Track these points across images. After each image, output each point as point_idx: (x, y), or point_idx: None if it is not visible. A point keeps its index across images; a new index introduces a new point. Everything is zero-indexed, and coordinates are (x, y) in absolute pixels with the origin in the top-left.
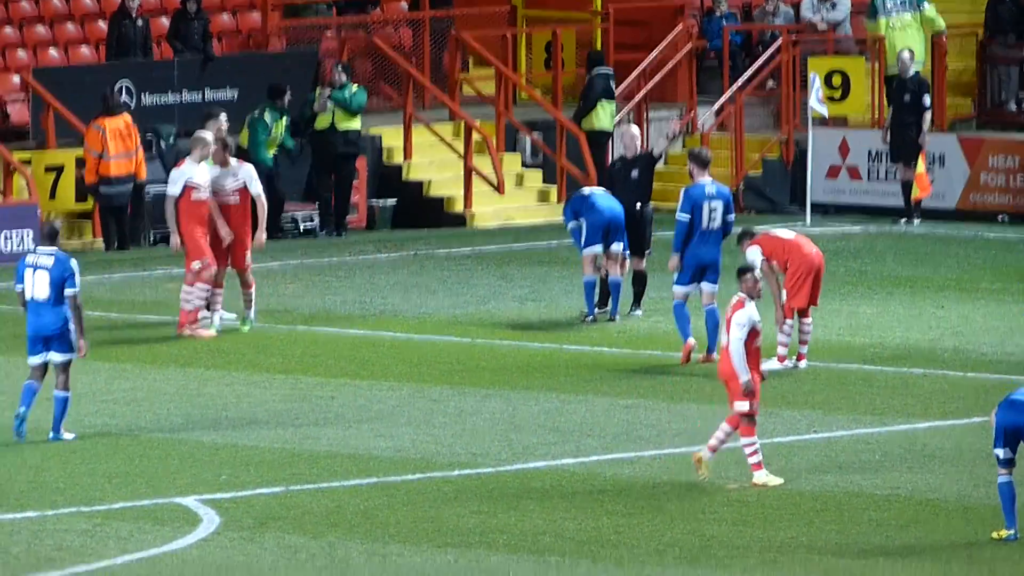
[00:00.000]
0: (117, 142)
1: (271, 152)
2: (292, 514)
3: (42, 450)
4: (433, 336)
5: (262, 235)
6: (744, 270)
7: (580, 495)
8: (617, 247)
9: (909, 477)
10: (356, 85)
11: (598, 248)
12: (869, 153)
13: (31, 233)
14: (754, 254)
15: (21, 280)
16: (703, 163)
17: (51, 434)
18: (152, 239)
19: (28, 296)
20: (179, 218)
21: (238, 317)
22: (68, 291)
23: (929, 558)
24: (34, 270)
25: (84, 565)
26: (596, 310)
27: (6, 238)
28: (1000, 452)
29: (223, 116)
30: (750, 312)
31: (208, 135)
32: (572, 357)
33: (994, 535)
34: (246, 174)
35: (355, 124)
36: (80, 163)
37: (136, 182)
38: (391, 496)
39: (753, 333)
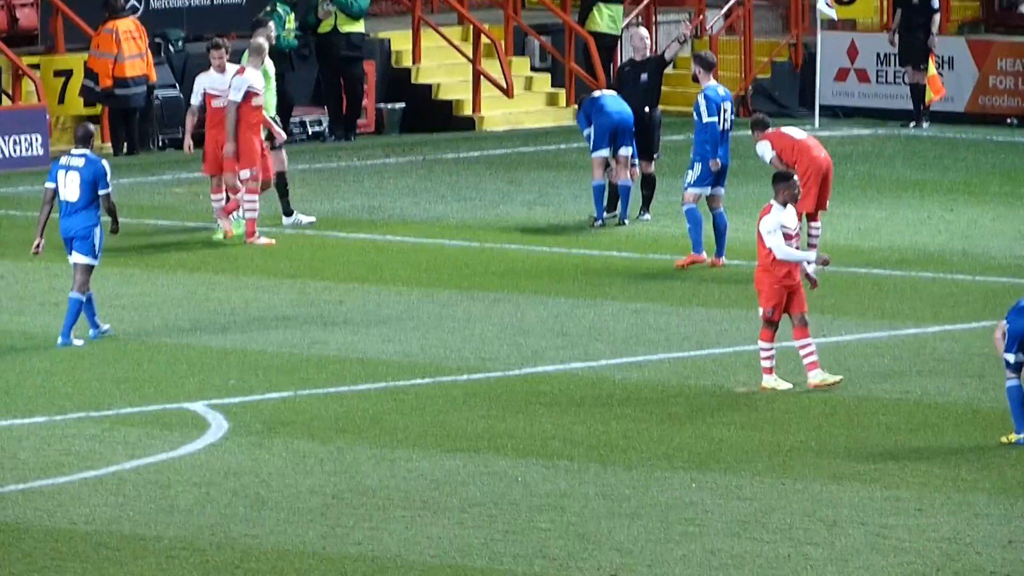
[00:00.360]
0: (130, 43)
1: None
2: (301, 419)
3: (50, 356)
4: (442, 240)
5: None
6: (782, 176)
7: (589, 399)
8: (625, 151)
9: (918, 381)
10: None
11: (606, 151)
12: (878, 56)
13: (40, 137)
14: (764, 149)
15: (53, 179)
16: (709, 66)
17: (59, 339)
18: (161, 143)
19: (61, 198)
20: (237, 124)
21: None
22: (101, 192)
23: (938, 462)
24: (66, 171)
25: (92, 470)
26: (605, 214)
27: (15, 142)
28: (1011, 357)
29: (272, 24)
30: (777, 216)
31: (265, 42)
32: (581, 261)
33: (1003, 439)
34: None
35: (358, 27)
36: (88, 72)
37: (148, 84)
38: (400, 401)
39: (785, 237)
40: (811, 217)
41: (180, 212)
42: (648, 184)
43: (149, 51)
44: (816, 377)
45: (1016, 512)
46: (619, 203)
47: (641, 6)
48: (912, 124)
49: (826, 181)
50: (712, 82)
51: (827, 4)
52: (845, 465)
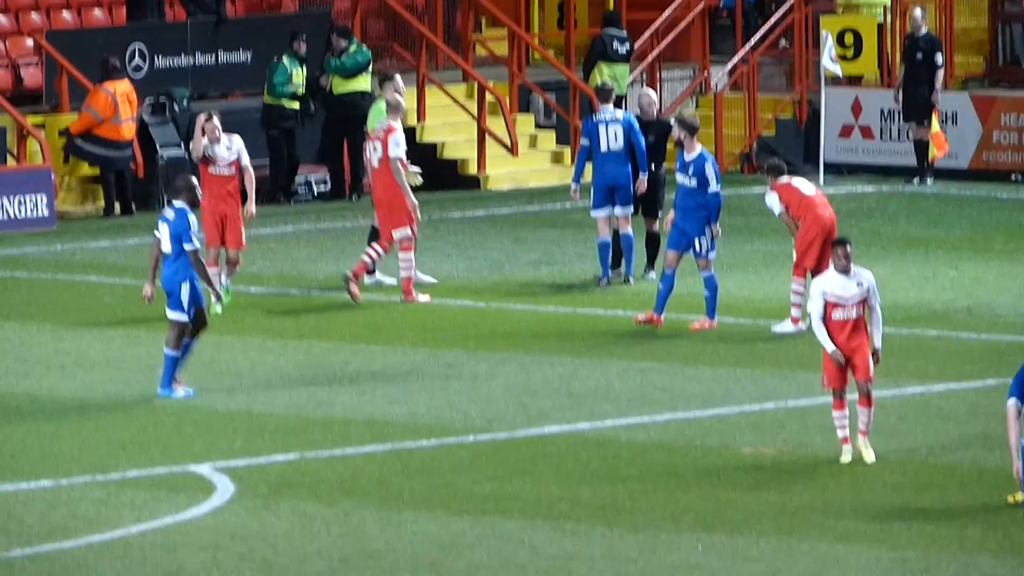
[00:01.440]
0: (125, 106)
1: (292, 103)
2: (307, 481)
3: (55, 419)
4: (447, 300)
5: (252, 206)
6: (836, 242)
7: (595, 460)
8: (623, 210)
9: (924, 440)
10: (355, 46)
11: (607, 210)
12: (882, 112)
13: (45, 198)
14: (773, 201)
15: (157, 229)
16: (693, 130)
17: (159, 389)
18: (164, 203)
19: (163, 249)
20: (386, 181)
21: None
22: (185, 246)
23: (944, 522)
24: (161, 223)
25: (99, 534)
26: (611, 272)
27: (20, 203)
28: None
29: (398, 77)
30: (821, 283)
31: (400, 98)
32: (586, 320)
33: (1009, 499)
34: (239, 146)
35: (359, 85)
36: (67, 130)
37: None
38: (406, 463)
39: (834, 306)
40: (815, 273)
41: None
42: (652, 242)
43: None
44: (863, 446)
45: (1022, 572)
46: (623, 260)
47: (645, 63)
48: (916, 180)
49: (828, 239)
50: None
51: (831, 60)
52: (851, 525)
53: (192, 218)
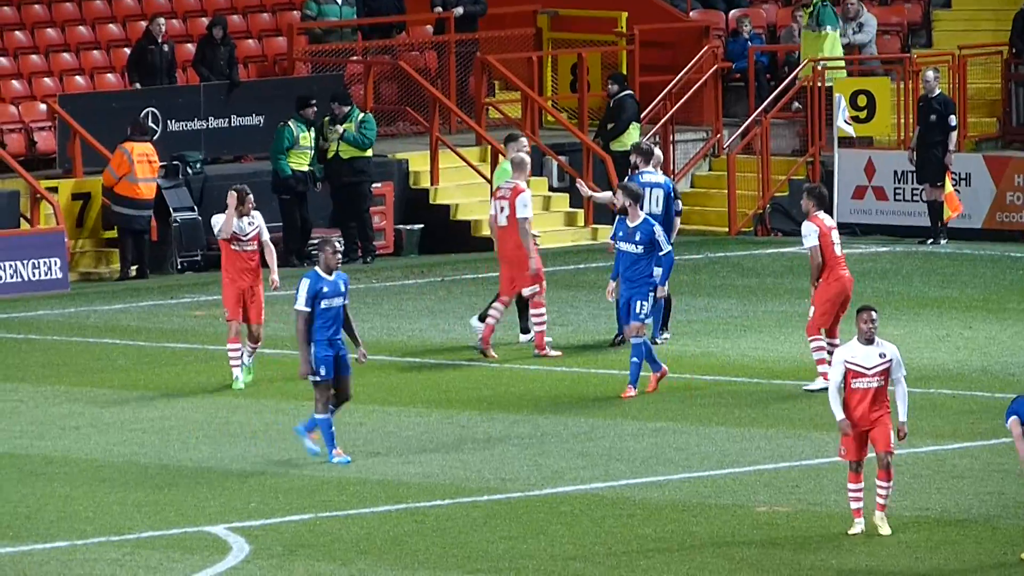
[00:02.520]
0: (144, 166)
1: (301, 166)
2: (321, 541)
3: (70, 480)
4: (461, 361)
5: (275, 276)
6: (862, 309)
7: (609, 519)
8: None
9: (938, 498)
10: (362, 113)
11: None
12: (895, 173)
13: (59, 261)
14: (810, 231)
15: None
16: (638, 197)
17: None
18: (180, 266)
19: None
20: (515, 240)
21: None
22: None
23: None
24: None
25: None
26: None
27: (34, 267)
28: None
29: (523, 137)
30: (844, 351)
31: (527, 157)
32: (600, 381)
33: (1023, 556)
34: (260, 221)
35: (363, 152)
36: (107, 190)
37: (155, 207)
38: (420, 523)
39: (856, 375)
40: (830, 332)
41: (200, 335)
42: (664, 303)
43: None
44: (879, 520)
45: None
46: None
47: (658, 125)
48: (930, 241)
49: (846, 302)
50: (641, 214)
51: (845, 121)
52: None
53: (305, 285)
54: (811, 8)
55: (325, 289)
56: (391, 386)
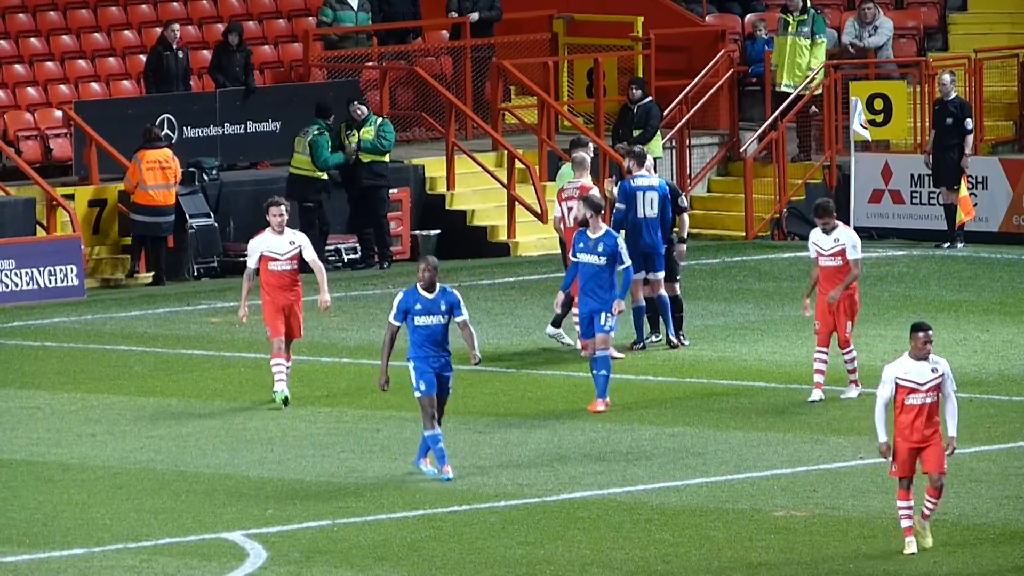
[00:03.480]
0: (156, 173)
1: (322, 174)
2: (339, 547)
3: (87, 487)
4: (478, 367)
5: (325, 296)
6: (916, 327)
7: (627, 524)
8: (655, 276)
9: (956, 502)
10: (380, 118)
11: (641, 274)
12: (912, 177)
13: (75, 268)
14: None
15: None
16: (599, 209)
17: (443, 477)
18: (196, 272)
19: None
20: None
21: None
22: (456, 318)
23: None
24: None
25: None
26: (653, 337)
27: (50, 273)
28: None
29: (589, 143)
30: (894, 368)
31: (587, 155)
32: (617, 386)
33: None
34: (302, 241)
35: (382, 156)
36: (123, 197)
37: (174, 214)
38: (437, 528)
39: (909, 391)
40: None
41: (216, 342)
42: (676, 307)
43: (177, 182)
44: (922, 527)
45: None
46: (661, 322)
47: (675, 130)
48: (947, 245)
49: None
50: (603, 226)
51: (861, 125)
52: None
53: (398, 299)
54: (803, 16)
55: (418, 306)
56: (408, 391)
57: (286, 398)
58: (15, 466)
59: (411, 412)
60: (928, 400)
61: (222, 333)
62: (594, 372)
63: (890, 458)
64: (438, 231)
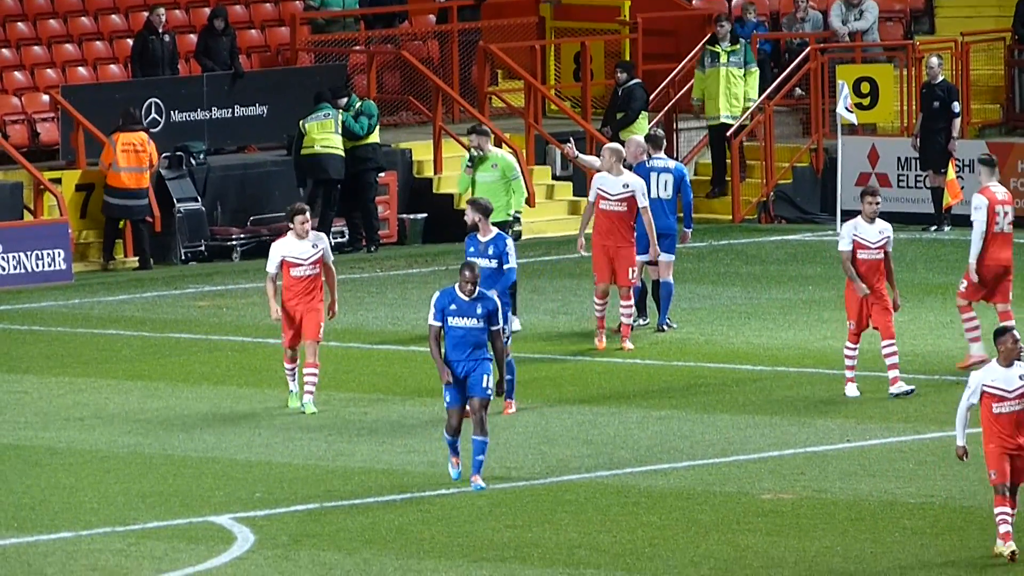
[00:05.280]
0: (129, 155)
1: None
2: (327, 531)
3: (75, 471)
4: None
5: (335, 306)
6: (1003, 332)
7: (614, 508)
8: (667, 257)
9: (943, 485)
10: (361, 100)
11: (645, 256)
12: (898, 160)
13: (62, 253)
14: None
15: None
16: (488, 212)
17: (473, 486)
18: (183, 257)
19: None
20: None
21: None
22: (492, 327)
23: (964, 566)
24: None
25: None
26: (640, 320)
27: (38, 258)
28: None
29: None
30: (980, 374)
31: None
32: (605, 369)
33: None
34: (324, 244)
35: (371, 138)
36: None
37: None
38: (425, 512)
39: (997, 399)
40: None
41: (204, 325)
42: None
43: (153, 166)
44: (1004, 548)
45: None
46: (659, 307)
47: (661, 113)
48: (934, 228)
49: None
50: (492, 229)
51: (847, 109)
52: (871, 570)
53: (434, 298)
54: (735, 46)
55: (453, 307)
56: (396, 375)
57: (287, 402)
58: (2, 450)
59: (398, 395)
60: (1018, 408)
61: (209, 317)
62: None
63: (964, 458)
64: (425, 215)
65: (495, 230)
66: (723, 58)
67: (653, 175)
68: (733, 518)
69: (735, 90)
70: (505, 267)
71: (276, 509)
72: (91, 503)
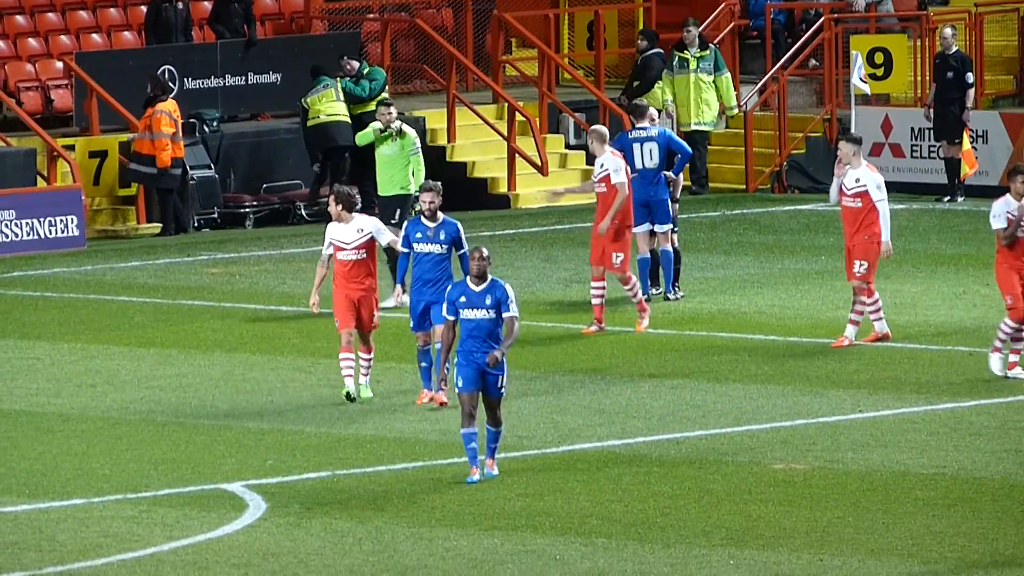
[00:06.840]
0: (175, 124)
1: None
2: (338, 499)
3: (87, 438)
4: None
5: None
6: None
7: (626, 477)
8: (661, 227)
9: (955, 456)
10: (369, 68)
11: (646, 226)
12: (912, 131)
13: (75, 219)
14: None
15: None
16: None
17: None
18: (196, 224)
19: None
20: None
21: None
22: (505, 314)
23: (976, 537)
24: None
25: (131, 552)
26: (652, 290)
27: (51, 224)
28: None
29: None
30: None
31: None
32: (617, 338)
33: None
34: (373, 226)
35: (370, 106)
36: (123, 149)
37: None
38: (437, 480)
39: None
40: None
41: (217, 292)
42: (675, 259)
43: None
44: None
45: None
46: (661, 275)
47: None
48: (947, 198)
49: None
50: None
51: (861, 79)
52: (882, 540)
53: (447, 293)
54: (704, 51)
55: (463, 299)
56: (407, 343)
57: (348, 393)
58: (15, 416)
59: (410, 364)
60: None
61: (222, 284)
62: (422, 364)
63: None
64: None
65: (442, 216)
66: (692, 64)
67: (636, 146)
68: (745, 488)
69: (706, 96)
70: (458, 252)
71: (288, 477)
72: (103, 470)
